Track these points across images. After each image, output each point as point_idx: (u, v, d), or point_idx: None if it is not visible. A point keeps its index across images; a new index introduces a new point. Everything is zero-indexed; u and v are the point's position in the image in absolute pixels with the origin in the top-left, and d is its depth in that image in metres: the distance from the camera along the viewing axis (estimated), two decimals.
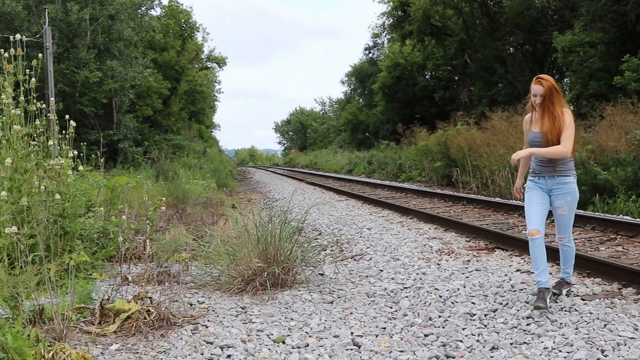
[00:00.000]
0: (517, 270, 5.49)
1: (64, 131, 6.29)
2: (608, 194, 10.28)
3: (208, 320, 4.20)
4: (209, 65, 44.27)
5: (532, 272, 5.35)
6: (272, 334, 3.94)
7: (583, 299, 4.40)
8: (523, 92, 19.37)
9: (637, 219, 7.81)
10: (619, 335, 3.60)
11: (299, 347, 3.72)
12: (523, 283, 4.90)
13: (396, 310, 4.48)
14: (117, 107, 24.66)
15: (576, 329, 3.78)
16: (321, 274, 5.72)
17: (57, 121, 6.69)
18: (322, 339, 3.87)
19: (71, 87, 21.37)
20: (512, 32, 23.05)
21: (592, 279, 5.00)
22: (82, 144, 7.81)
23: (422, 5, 25.53)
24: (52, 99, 8.50)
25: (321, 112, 72.64)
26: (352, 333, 3.96)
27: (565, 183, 4.14)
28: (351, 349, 3.67)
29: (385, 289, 5.12)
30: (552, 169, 4.15)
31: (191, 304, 4.62)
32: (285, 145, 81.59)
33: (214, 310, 4.47)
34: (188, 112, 39.08)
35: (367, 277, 5.67)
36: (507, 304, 4.41)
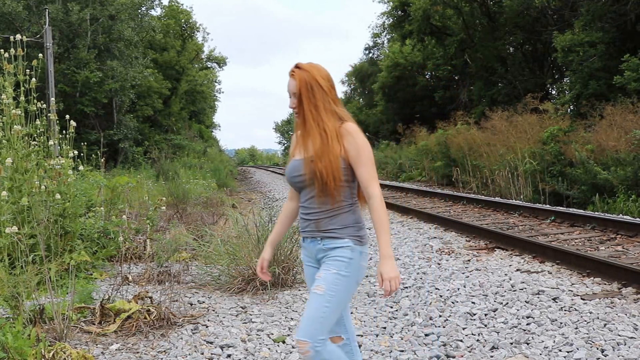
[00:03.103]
0: (517, 270, 5.49)
1: (64, 131, 6.31)
2: (608, 194, 10.28)
3: (208, 320, 4.20)
4: (209, 65, 44.28)
5: (532, 272, 5.36)
6: (273, 334, 3.94)
7: (583, 299, 4.40)
8: (523, 92, 19.36)
9: (637, 219, 7.81)
10: (619, 335, 3.60)
11: None
12: (523, 283, 4.91)
13: (397, 310, 4.49)
14: (118, 107, 24.67)
15: (576, 328, 3.78)
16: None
17: (58, 121, 6.71)
18: None
19: (71, 87, 21.37)
20: (512, 32, 23.04)
21: (592, 278, 5.01)
22: (82, 143, 7.84)
23: (422, 5, 25.53)
24: (53, 99, 8.50)
25: None
26: None
27: (333, 248, 2.31)
28: None
29: None
30: (315, 225, 2.34)
31: (191, 304, 4.63)
32: (286, 145, 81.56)
33: (214, 310, 4.47)
34: (188, 112, 39.11)
35: (367, 276, 5.67)
36: (507, 303, 4.41)
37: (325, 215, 2.32)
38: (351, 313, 4.41)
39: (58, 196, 5.34)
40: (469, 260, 6.08)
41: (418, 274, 5.57)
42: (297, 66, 2.35)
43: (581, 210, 9.35)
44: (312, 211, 2.34)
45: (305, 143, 2.32)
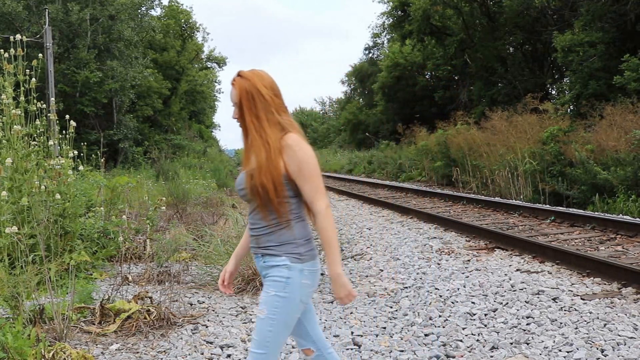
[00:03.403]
0: (517, 270, 5.49)
1: (64, 131, 6.31)
2: (608, 194, 10.28)
3: (208, 320, 4.20)
4: (209, 65, 44.29)
5: (532, 272, 5.36)
6: None
7: (583, 299, 4.41)
8: (523, 92, 19.36)
9: (637, 219, 7.82)
10: (619, 335, 3.60)
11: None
12: (523, 283, 4.91)
13: (396, 310, 4.49)
14: (118, 107, 24.68)
15: (576, 328, 3.78)
16: (322, 274, 5.73)
17: (58, 121, 6.72)
18: None
19: (71, 87, 21.38)
20: (512, 32, 23.03)
21: (592, 278, 5.01)
22: (82, 144, 7.84)
23: (421, 5, 25.53)
24: (53, 99, 8.50)
25: (321, 112, 72.63)
26: (352, 333, 3.96)
27: (272, 267, 2.20)
28: (351, 349, 3.68)
29: (386, 288, 5.13)
30: (256, 241, 2.26)
31: (191, 304, 4.63)
32: None
33: (214, 310, 4.47)
34: (188, 112, 39.13)
35: (367, 276, 5.68)
36: (507, 303, 4.41)
37: (263, 231, 2.20)
38: (351, 313, 4.42)
39: (58, 196, 5.34)
40: (468, 260, 6.08)
41: (418, 274, 5.57)
42: (238, 74, 2.23)
43: (581, 210, 9.35)
44: (253, 226, 2.24)
45: (248, 156, 2.21)
